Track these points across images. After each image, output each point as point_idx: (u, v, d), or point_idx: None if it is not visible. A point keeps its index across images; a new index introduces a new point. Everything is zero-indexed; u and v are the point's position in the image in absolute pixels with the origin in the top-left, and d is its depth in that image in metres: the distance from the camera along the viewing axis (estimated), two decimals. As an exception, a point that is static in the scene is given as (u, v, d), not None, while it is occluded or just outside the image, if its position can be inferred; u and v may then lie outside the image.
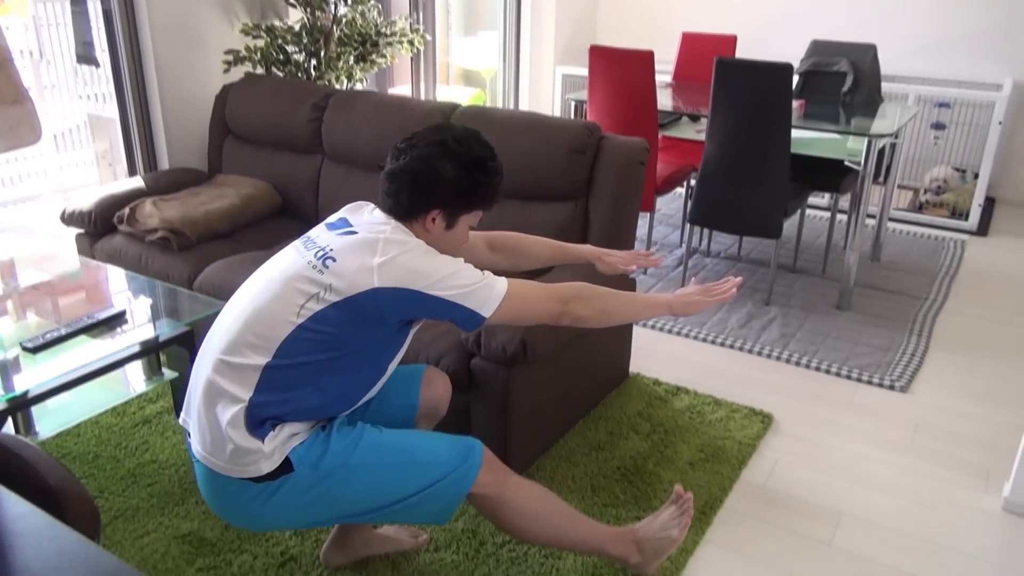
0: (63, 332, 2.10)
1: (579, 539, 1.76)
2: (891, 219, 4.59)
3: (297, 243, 1.63)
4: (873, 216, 4.35)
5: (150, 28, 3.19)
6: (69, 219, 2.94)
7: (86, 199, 2.94)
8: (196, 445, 1.57)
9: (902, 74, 4.94)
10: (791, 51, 4.50)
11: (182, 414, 1.64)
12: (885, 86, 4.22)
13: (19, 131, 3.63)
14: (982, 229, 4.46)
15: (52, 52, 5.04)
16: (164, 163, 3.36)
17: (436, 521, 1.66)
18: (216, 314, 2.36)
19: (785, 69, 3.15)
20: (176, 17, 3.25)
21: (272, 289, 1.54)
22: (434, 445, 1.65)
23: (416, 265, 1.52)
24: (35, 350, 2.03)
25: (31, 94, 3.70)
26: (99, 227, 2.90)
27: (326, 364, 1.54)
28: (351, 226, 1.59)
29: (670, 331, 3.23)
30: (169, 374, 2.36)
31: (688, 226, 3.64)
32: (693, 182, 3.68)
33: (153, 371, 2.37)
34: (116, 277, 2.55)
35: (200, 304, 2.34)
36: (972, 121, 4.75)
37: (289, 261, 1.58)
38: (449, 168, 1.58)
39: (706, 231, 4.19)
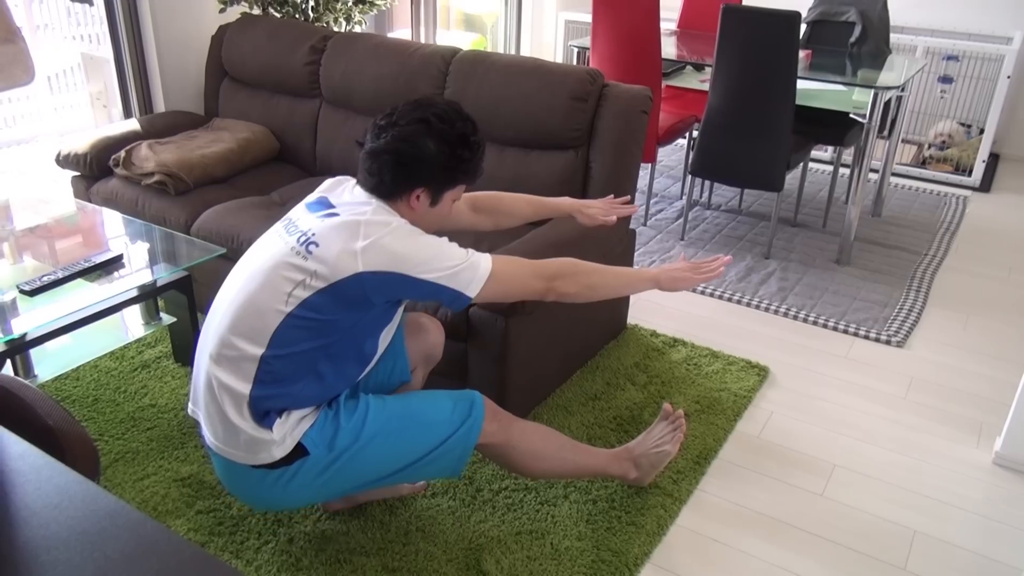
0: (60, 275, 2.09)
1: (583, 466, 1.87)
2: (894, 174, 4.55)
3: (279, 227, 1.62)
4: (876, 171, 4.32)
5: (143, -35, 3.11)
6: (64, 161, 2.91)
7: (81, 141, 2.90)
8: (209, 436, 1.61)
9: (911, 25, 4.85)
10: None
11: (190, 405, 1.68)
12: (894, 37, 4.14)
13: (11, 71, 3.56)
14: (985, 185, 4.43)
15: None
16: (160, 105, 3.31)
17: (450, 475, 1.72)
18: (213, 259, 2.34)
19: (792, 18, 3.08)
20: (170, -46, 3.16)
21: (258, 278, 1.55)
22: (438, 404, 1.70)
23: (399, 248, 1.52)
24: (32, 293, 2.03)
25: (23, 34, 3.64)
26: (95, 170, 2.86)
27: (322, 350, 1.55)
28: (332, 207, 1.59)
29: (669, 283, 3.22)
30: (167, 319, 2.36)
31: (689, 178, 3.61)
32: (696, 133, 3.64)
33: (151, 316, 2.37)
34: (113, 221, 2.53)
35: (197, 249, 2.33)
36: (980, 75, 4.68)
37: (273, 248, 1.58)
38: (432, 146, 1.57)
39: (707, 183, 4.16)
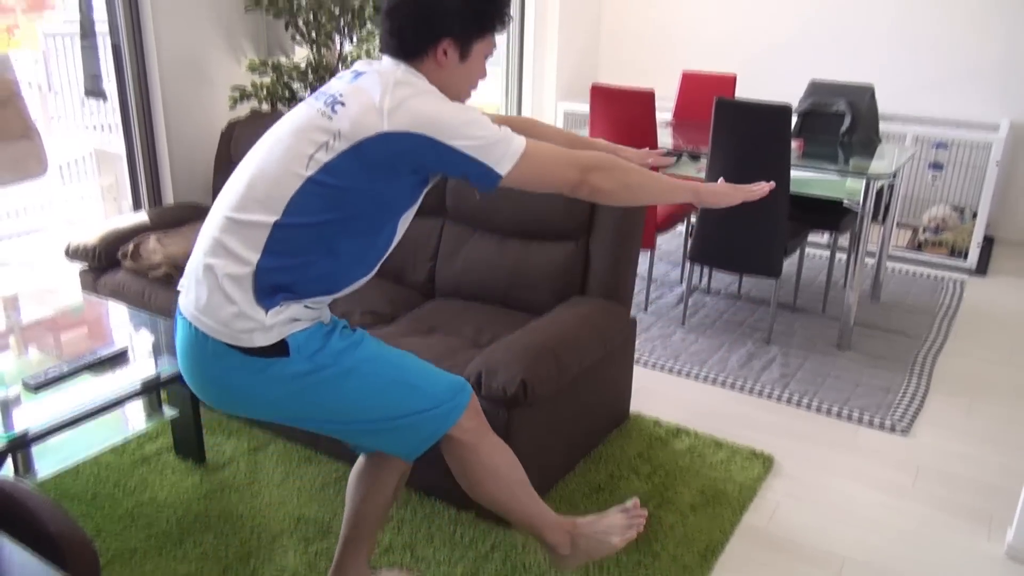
0: (65, 369, 2.11)
1: (527, 514, 1.73)
2: (890, 257, 4.60)
3: (309, 97, 1.57)
4: (873, 255, 4.37)
5: (158, 63, 3.23)
6: (74, 254, 2.96)
7: (90, 234, 2.96)
8: (188, 305, 1.51)
9: (900, 113, 4.99)
10: (790, 90, 4.55)
11: (182, 279, 1.58)
12: (883, 126, 4.26)
13: (26, 164, 3.65)
14: (981, 268, 4.48)
15: (60, 84, 5.11)
16: (169, 197, 3.39)
17: (404, 454, 1.62)
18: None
19: (784, 110, 3.18)
20: (184, 53, 3.29)
21: (282, 144, 1.49)
22: (429, 373, 1.62)
23: (428, 108, 1.44)
24: (37, 388, 2.04)
25: (38, 125, 3.75)
26: (103, 262, 2.91)
27: (340, 224, 1.47)
28: (363, 73, 1.53)
29: (671, 371, 3.23)
30: (169, 412, 2.36)
31: (688, 264, 3.65)
32: (693, 219, 3.71)
33: (153, 409, 2.37)
34: (118, 313, 2.56)
35: (202, 342, 2.34)
36: (969, 161, 4.79)
37: (300, 114, 1.52)
38: None
39: (706, 269, 4.21)
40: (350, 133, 1.43)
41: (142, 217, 3.08)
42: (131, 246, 2.85)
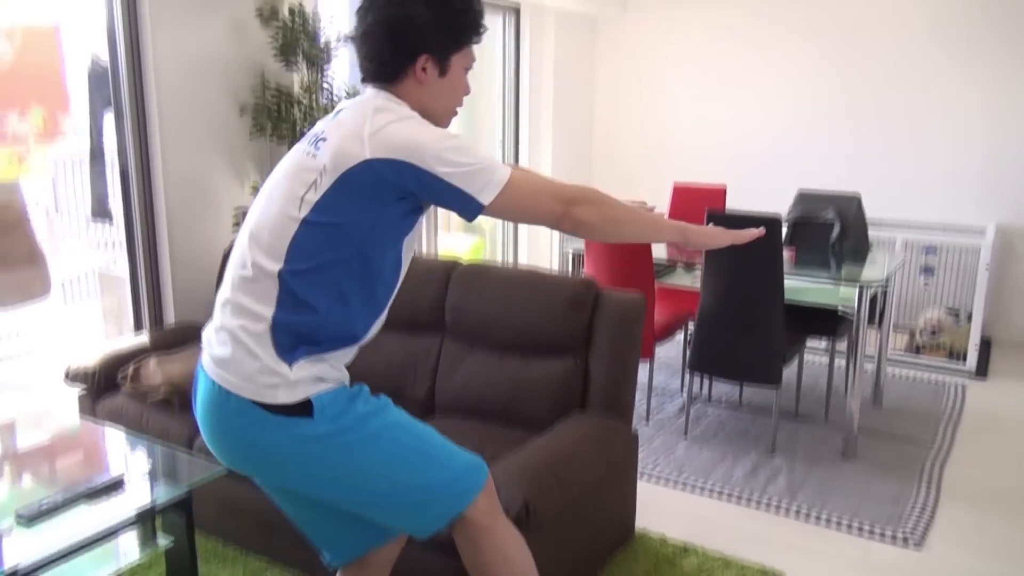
0: (59, 500, 2.07)
1: None
2: (889, 362, 4.60)
3: (299, 142, 1.58)
4: (872, 359, 4.37)
5: (164, 186, 3.33)
6: (72, 378, 2.96)
7: (90, 357, 2.97)
8: (210, 363, 1.50)
9: (887, 219, 5.11)
10: (778, 199, 4.67)
11: (206, 328, 1.57)
12: (872, 232, 4.35)
13: (31, 288, 3.69)
14: (981, 371, 4.48)
15: (67, 205, 5.23)
16: (170, 318, 3.42)
17: (417, 532, 1.58)
18: (216, 476, 2.32)
19: (774, 221, 3.26)
20: (189, 176, 3.40)
21: (278, 190, 1.50)
22: (449, 447, 1.59)
23: (409, 134, 1.42)
24: (30, 520, 1.99)
25: (44, 246, 3.79)
26: (102, 385, 2.91)
27: (343, 265, 1.46)
28: (344, 108, 1.54)
29: (675, 484, 3.17)
30: (164, 542, 2.30)
31: (688, 373, 3.65)
32: (692, 326, 3.73)
33: (148, 538, 2.31)
34: (115, 438, 2.54)
35: (199, 467, 2.31)
36: (960, 265, 4.87)
37: (290, 159, 1.54)
38: (422, 7, 1.49)
39: (707, 378, 4.20)
40: (333, 166, 1.43)
41: (143, 339, 3.10)
42: (131, 368, 2.86)
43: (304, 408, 1.47)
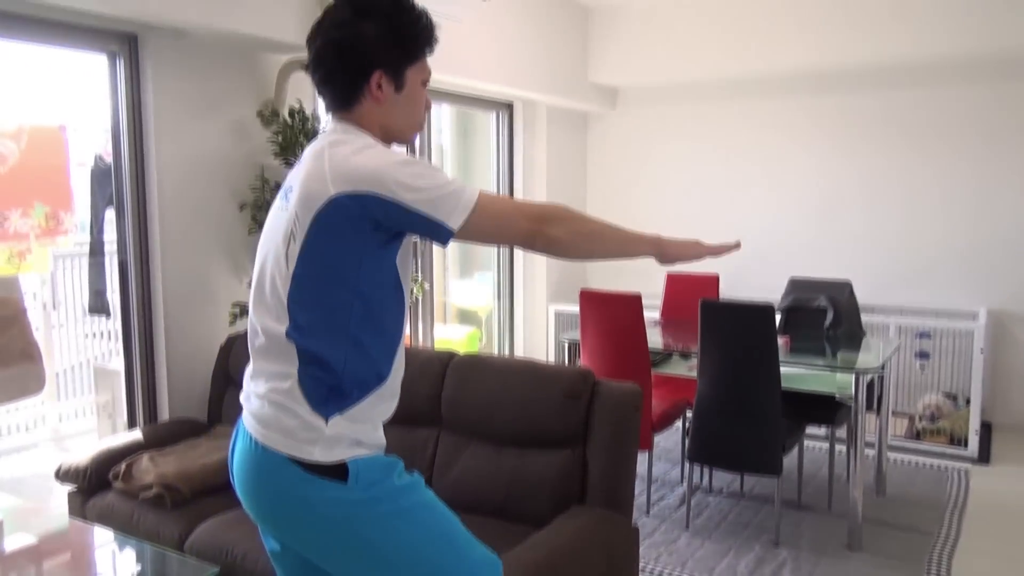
0: (44, 606, 2.01)
1: None
2: (890, 448, 4.56)
3: (276, 198, 1.59)
4: (872, 445, 4.34)
5: (163, 281, 3.35)
6: (64, 476, 2.91)
7: (82, 455, 2.93)
8: (251, 419, 1.50)
9: (880, 305, 5.15)
10: (772, 283, 4.72)
11: (242, 392, 1.58)
12: (865, 317, 4.39)
13: (25, 384, 3.67)
14: (983, 456, 4.43)
15: (65, 297, 5.26)
16: (165, 413, 3.39)
17: None
18: (206, 579, 2.26)
19: (767, 310, 3.29)
20: (188, 271, 3.43)
21: (266, 252, 1.51)
22: (469, 538, 1.57)
23: (370, 164, 1.40)
24: (12, 628, 1.93)
25: (40, 338, 3.78)
26: (93, 484, 2.86)
27: (344, 310, 1.44)
28: (305, 154, 1.53)
29: (678, 578, 3.10)
30: (151, 649, 2.22)
31: (688, 463, 3.61)
32: (689, 413, 3.71)
33: (134, 645, 2.23)
34: (104, 540, 2.48)
35: (189, 569, 2.26)
36: (955, 349, 4.88)
37: (270, 218, 1.55)
38: (369, 24, 1.48)
39: (707, 467, 4.15)
40: (304, 211, 1.42)
41: (136, 435, 3.06)
42: (123, 466, 2.81)
43: (339, 471, 1.45)
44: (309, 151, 1.51)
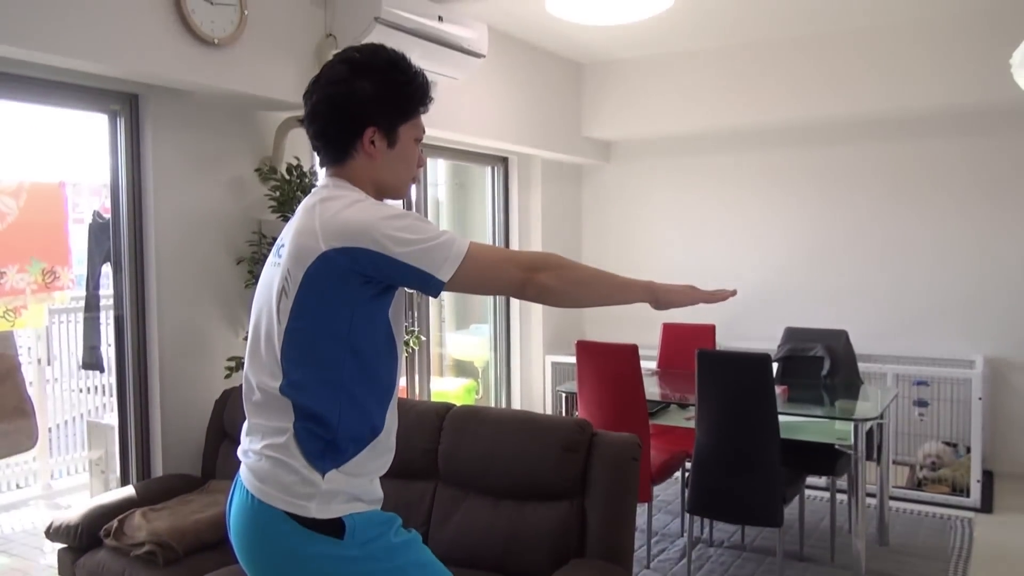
0: (31, 669, 1.96)
1: None
2: (892, 497, 4.51)
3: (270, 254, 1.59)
4: (873, 495, 4.29)
5: (158, 335, 3.35)
6: (54, 534, 2.86)
7: (73, 512, 2.89)
8: (248, 475, 1.48)
9: (876, 354, 5.15)
10: (768, 333, 4.73)
11: (240, 447, 1.57)
12: (862, 366, 4.39)
13: (17, 439, 3.64)
14: (986, 506, 4.39)
15: (59, 352, 5.24)
16: (158, 468, 3.35)
17: None
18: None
19: (763, 360, 3.29)
20: (184, 325, 3.43)
21: (259, 308, 1.51)
22: None
23: (360, 220, 1.41)
24: None
25: (33, 393, 3.75)
26: (84, 541, 2.81)
27: (337, 366, 1.44)
28: (298, 210, 1.54)
29: (680, 634, 3.03)
30: None
31: (688, 515, 3.57)
32: (688, 464, 3.67)
33: None
34: (95, 598, 2.43)
35: (181, 629, 2.21)
36: (953, 397, 4.87)
37: (264, 273, 1.55)
38: (364, 82, 1.51)
39: (707, 519, 4.10)
40: (296, 267, 1.43)
41: (129, 491, 3.02)
42: (115, 523, 2.77)
43: (336, 527, 1.45)
44: (302, 207, 1.53)
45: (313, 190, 1.57)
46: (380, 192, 1.58)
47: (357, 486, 1.49)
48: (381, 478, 1.60)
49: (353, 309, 1.44)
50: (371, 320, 1.48)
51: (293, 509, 1.44)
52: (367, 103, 1.51)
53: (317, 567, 1.45)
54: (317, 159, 1.62)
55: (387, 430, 1.56)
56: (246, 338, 1.60)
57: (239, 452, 1.59)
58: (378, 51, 1.55)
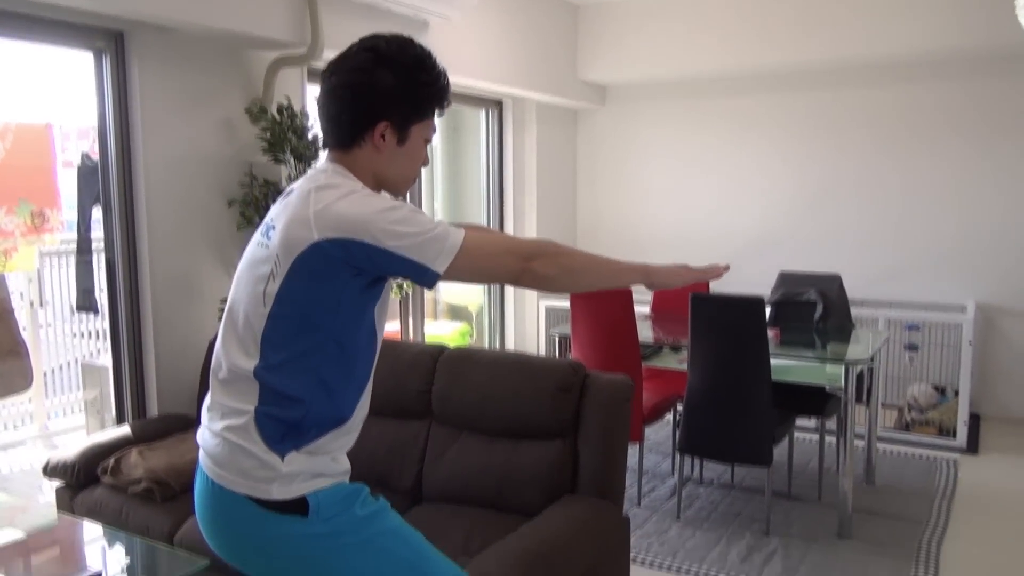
0: (33, 600, 1.99)
1: None
2: (880, 439, 4.58)
3: (256, 232, 1.56)
4: (862, 437, 4.36)
5: (150, 278, 3.34)
6: (52, 471, 2.90)
7: (70, 450, 2.91)
8: (207, 460, 1.49)
9: (869, 299, 5.18)
10: (762, 278, 4.74)
11: (199, 430, 1.55)
12: (855, 310, 4.41)
13: (12, 380, 3.65)
14: (972, 447, 4.46)
15: (52, 296, 5.23)
16: (153, 409, 3.38)
17: None
18: (196, 572, 2.26)
19: (757, 302, 3.30)
20: (176, 267, 3.42)
21: (243, 286, 1.49)
22: (438, 560, 1.55)
23: (354, 211, 1.39)
24: (1, 622, 1.92)
25: (27, 337, 3.75)
26: (82, 479, 2.84)
27: (317, 353, 1.44)
28: (292, 190, 1.51)
29: (669, 569, 3.10)
30: (141, 642, 2.21)
31: (679, 455, 3.62)
32: (680, 407, 3.72)
33: (124, 639, 2.22)
34: (93, 534, 2.47)
35: (179, 562, 2.25)
36: (943, 341, 4.91)
37: (249, 250, 1.52)
38: (387, 75, 1.48)
39: (698, 459, 4.16)
40: (285, 253, 1.41)
41: (124, 430, 3.05)
42: (111, 461, 2.80)
43: (299, 506, 1.44)
44: (296, 192, 1.49)
45: (311, 172, 1.54)
46: (380, 185, 1.56)
47: (319, 463, 1.49)
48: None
49: (340, 300, 1.44)
50: (357, 313, 1.48)
51: (255, 493, 1.44)
52: (385, 96, 1.49)
53: (285, 547, 1.46)
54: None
55: (353, 422, 1.55)
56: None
57: (198, 435, 1.57)
58: (406, 46, 1.52)
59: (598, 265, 1.57)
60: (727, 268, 1.71)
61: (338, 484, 1.50)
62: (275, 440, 1.44)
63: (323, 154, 1.61)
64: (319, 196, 1.42)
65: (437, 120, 1.63)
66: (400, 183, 1.59)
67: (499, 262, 1.48)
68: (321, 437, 1.48)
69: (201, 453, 1.53)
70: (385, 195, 1.52)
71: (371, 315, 1.51)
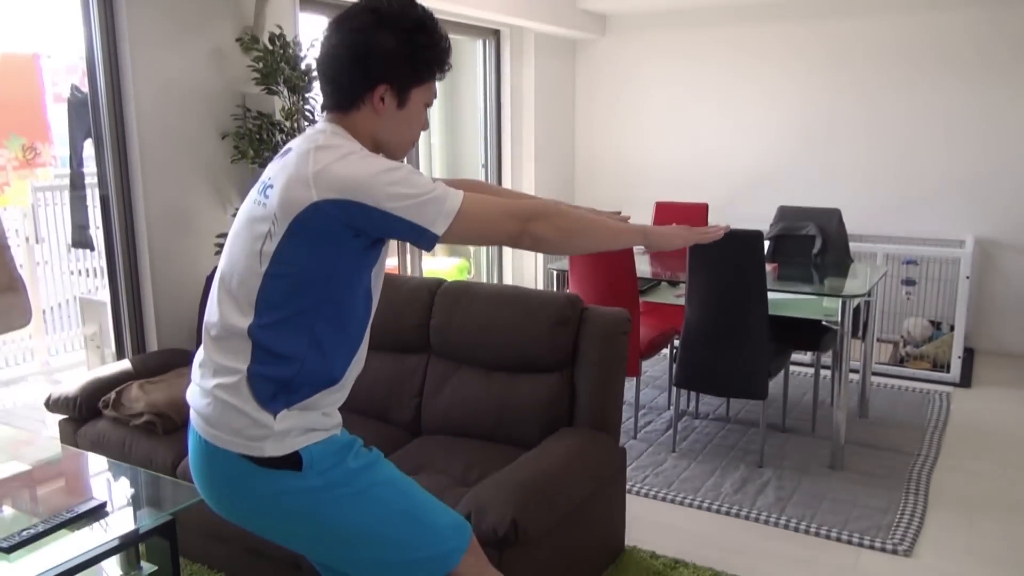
0: (40, 528, 2.03)
1: None
2: (874, 373, 4.63)
3: (253, 189, 1.55)
4: (856, 371, 4.40)
5: (145, 213, 3.31)
6: (54, 406, 2.92)
7: (72, 385, 2.94)
8: (198, 420, 1.50)
9: (868, 234, 5.16)
10: (760, 213, 4.71)
11: (189, 388, 1.56)
12: (853, 246, 4.40)
13: (10, 317, 3.65)
14: (965, 380, 4.51)
15: (48, 233, 5.20)
16: (153, 344, 3.39)
17: None
18: (198, 502, 2.30)
19: (756, 236, 3.28)
20: (170, 202, 3.39)
21: (239, 241, 1.47)
22: (436, 506, 1.58)
23: (353, 173, 1.38)
24: (10, 550, 1.96)
25: (24, 274, 3.74)
26: (84, 412, 2.87)
27: (311, 310, 1.44)
28: (291, 149, 1.49)
29: (664, 499, 3.17)
30: (148, 568, 2.27)
31: (675, 389, 3.66)
32: (677, 342, 3.74)
33: (131, 565, 2.27)
34: (97, 465, 2.50)
35: (183, 492, 2.29)
36: (941, 276, 4.92)
37: (245, 207, 1.50)
38: (388, 36, 1.46)
39: (693, 393, 4.20)
40: (283, 213, 1.40)
41: (125, 365, 3.07)
42: (113, 394, 2.83)
43: (293, 461, 1.45)
44: (294, 152, 1.47)
45: (309, 132, 1.52)
46: (378, 148, 1.53)
47: (310, 419, 1.49)
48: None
49: (338, 261, 1.44)
50: (354, 274, 1.48)
51: (248, 451, 1.45)
52: (385, 59, 1.47)
53: (281, 502, 1.47)
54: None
55: (344, 381, 1.55)
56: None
57: (188, 394, 1.57)
58: (408, 7, 1.49)
59: (596, 227, 1.57)
60: (727, 228, 1.73)
61: (330, 437, 1.52)
62: (267, 399, 1.45)
63: (321, 115, 1.56)
64: (318, 156, 1.41)
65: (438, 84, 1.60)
66: (399, 147, 1.57)
67: (498, 224, 1.48)
68: (312, 395, 1.49)
69: (192, 413, 1.53)
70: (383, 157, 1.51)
71: (368, 277, 1.51)
